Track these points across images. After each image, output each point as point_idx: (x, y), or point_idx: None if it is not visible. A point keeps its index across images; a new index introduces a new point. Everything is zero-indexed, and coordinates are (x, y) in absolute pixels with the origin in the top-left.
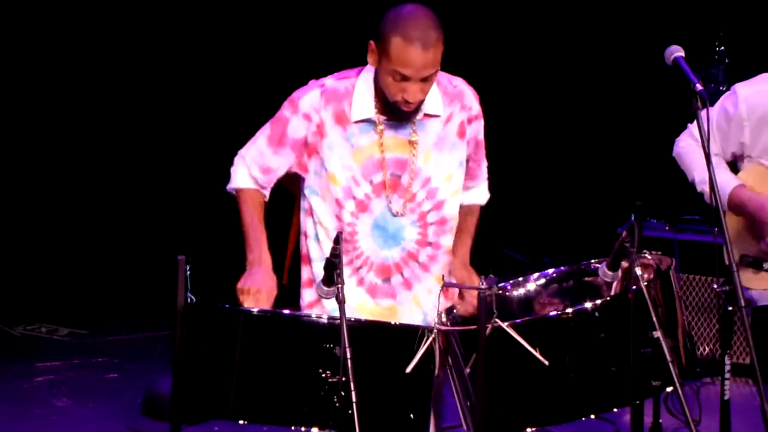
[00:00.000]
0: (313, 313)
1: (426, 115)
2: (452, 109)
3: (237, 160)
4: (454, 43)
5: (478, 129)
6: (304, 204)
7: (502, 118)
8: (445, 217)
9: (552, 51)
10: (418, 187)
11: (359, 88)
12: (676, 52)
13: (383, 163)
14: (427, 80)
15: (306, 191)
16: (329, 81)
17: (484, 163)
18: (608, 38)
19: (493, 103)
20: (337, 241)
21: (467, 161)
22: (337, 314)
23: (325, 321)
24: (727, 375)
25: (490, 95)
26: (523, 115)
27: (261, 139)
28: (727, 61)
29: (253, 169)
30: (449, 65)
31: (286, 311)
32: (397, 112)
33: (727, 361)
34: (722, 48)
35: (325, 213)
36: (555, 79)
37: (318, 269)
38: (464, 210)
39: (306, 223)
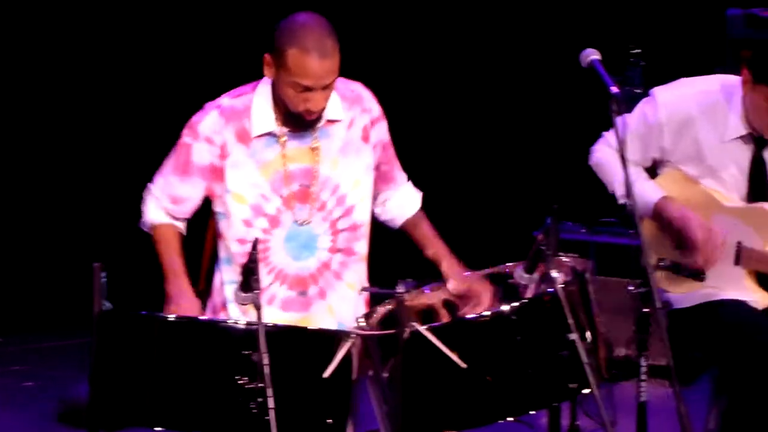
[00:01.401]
0: (230, 318)
1: (328, 121)
2: (353, 114)
3: (146, 195)
4: (363, 47)
5: (382, 131)
6: (216, 228)
7: (416, 123)
8: (355, 222)
9: (467, 54)
10: (327, 195)
11: (257, 103)
12: (592, 55)
13: (293, 176)
14: (327, 88)
15: (217, 215)
16: (225, 100)
17: (398, 164)
18: (525, 41)
19: (407, 109)
20: (254, 246)
21: (379, 166)
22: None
23: (242, 326)
24: (644, 377)
25: (403, 102)
26: (439, 120)
27: (167, 170)
28: (642, 64)
29: (163, 200)
30: (360, 71)
31: (203, 317)
32: (299, 122)
33: (644, 363)
34: (638, 51)
35: (232, 238)
36: (470, 84)
37: (230, 293)
38: (414, 225)
39: (219, 247)
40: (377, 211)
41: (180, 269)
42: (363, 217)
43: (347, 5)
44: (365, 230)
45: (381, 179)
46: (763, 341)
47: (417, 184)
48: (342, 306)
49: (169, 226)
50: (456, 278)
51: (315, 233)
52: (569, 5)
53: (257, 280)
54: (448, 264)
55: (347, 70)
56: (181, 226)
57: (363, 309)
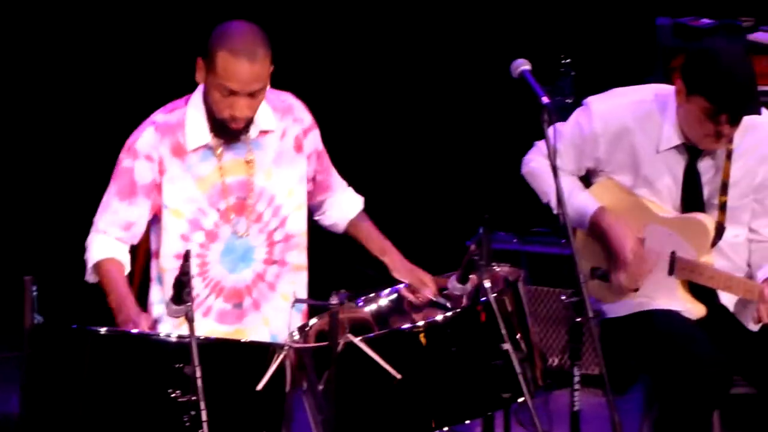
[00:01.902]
0: (162, 332)
1: (261, 132)
2: (285, 124)
3: (92, 232)
4: (298, 57)
5: (315, 140)
6: (151, 247)
7: (349, 132)
8: (289, 233)
9: (400, 63)
10: (263, 207)
11: (191, 116)
12: (522, 65)
13: (229, 189)
14: (254, 96)
15: (153, 233)
16: (159, 116)
17: (334, 171)
18: (456, 51)
19: (339, 120)
20: (186, 258)
21: (315, 175)
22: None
23: (174, 340)
24: (577, 386)
25: (336, 114)
26: (372, 129)
27: (110, 200)
28: (573, 73)
29: (113, 232)
30: (297, 81)
31: (135, 330)
32: (227, 131)
33: (577, 372)
34: (568, 61)
35: (168, 255)
36: (402, 93)
37: (157, 312)
38: (357, 227)
39: (151, 264)
40: (320, 219)
41: (128, 297)
42: (297, 228)
43: (278, 11)
44: (300, 240)
45: (319, 188)
46: (695, 351)
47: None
48: (276, 317)
49: (110, 260)
50: (401, 270)
51: (252, 245)
52: (499, 15)
53: (189, 293)
54: (391, 258)
55: (281, 80)
56: (126, 258)
57: (300, 320)
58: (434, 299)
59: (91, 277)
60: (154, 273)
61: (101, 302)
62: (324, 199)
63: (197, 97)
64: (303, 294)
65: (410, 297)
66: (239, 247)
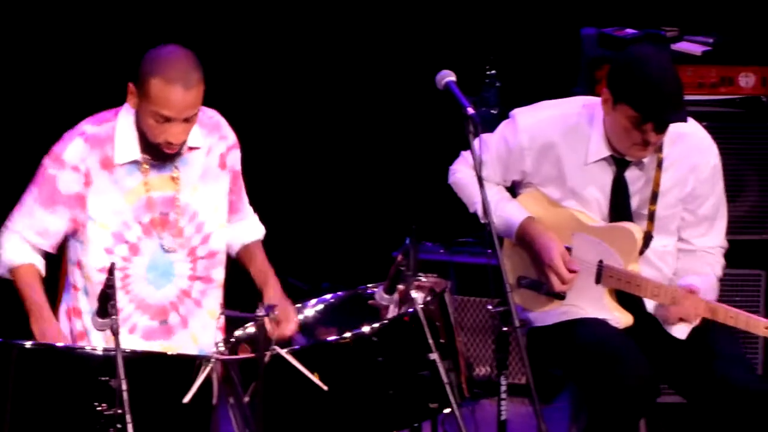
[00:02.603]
0: (89, 345)
1: (188, 148)
2: (211, 141)
3: (6, 230)
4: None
5: (235, 159)
6: (72, 257)
7: (273, 145)
8: (212, 250)
9: (324, 76)
10: (186, 223)
11: (120, 130)
12: (448, 76)
13: (154, 203)
14: (189, 121)
15: (76, 244)
16: (89, 127)
17: (245, 196)
18: (381, 63)
19: (264, 127)
20: (111, 272)
21: (228, 194)
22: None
23: (100, 353)
24: (504, 395)
25: (261, 120)
26: (297, 139)
27: (30, 204)
28: (498, 84)
29: (27, 235)
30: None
31: (60, 344)
32: (160, 154)
33: (503, 382)
34: (493, 72)
35: (93, 267)
36: (326, 106)
37: (88, 322)
38: (249, 253)
39: (75, 276)
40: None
41: (45, 307)
42: (220, 245)
43: (194, 20)
44: (222, 257)
45: (228, 208)
46: (622, 360)
47: (276, 206)
48: (204, 334)
49: (29, 266)
50: (275, 301)
51: (175, 261)
52: (424, 26)
53: (114, 306)
54: (268, 290)
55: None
56: (41, 263)
57: (219, 334)
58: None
59: (2, 271)
60: (80, 283)
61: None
62: (231, 219)
63: (127, 113)
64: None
65: (268, 327)
66: (162, 263)
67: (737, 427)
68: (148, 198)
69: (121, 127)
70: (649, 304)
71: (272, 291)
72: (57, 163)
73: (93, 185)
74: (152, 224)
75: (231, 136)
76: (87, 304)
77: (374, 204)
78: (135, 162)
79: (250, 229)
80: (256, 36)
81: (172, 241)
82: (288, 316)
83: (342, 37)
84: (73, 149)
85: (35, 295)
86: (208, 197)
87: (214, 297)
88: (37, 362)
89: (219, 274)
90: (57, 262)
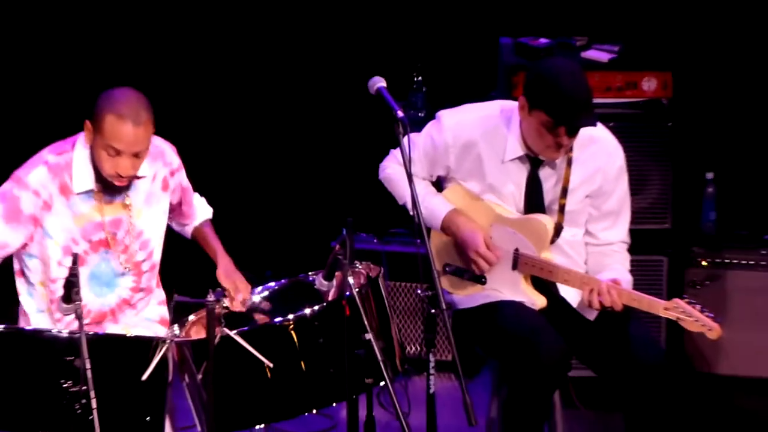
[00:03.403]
0: (55, 328)
1: (137, 177)
2: (156, 168)
3: None
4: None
5: (181, 178)
6: (15, 266)
7: (220, 144)
8: (154, 263)
9: (267, 80)
10: (132, 240)
11: (77, 161)
12: (379, 82)
13: (103, 225)
14: (138, 156)
15: (24, 256)
16: (51, 157)
17: (194, 197)
18: (318, 70)
19: (212, 129)
20: (75, 262)
21: (180, 205)
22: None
23: (65, 335)
24: (432, 371)
25: (206, 122)
26: (240, 135)
27: None
28: (425, 89)
29: None
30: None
31: (29, 327)
32: (110, 185)
33: (432, 359)
34: (420, 78)
35: (41, 273)
36: (270, 109)
37: (35, 320)
38: (200, 232)
39: (18, 282)
40: (173, 225)
41: None
42: (158, 258)
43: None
44: (158, 267)
45: (183, 216)
46: (537, 338)
47: (223, 201)
48: (135, 330)
49: None
50: (221, 275)
51: (118, 273)
52: (356, 36)
53: (78, 293)
54: (219, 263)
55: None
56: None
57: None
58: (251, 304)
59: None
60: (24, 290)
61: None
62: (186, 223)
63: (82, 144)
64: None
65: (226, 302)
66: (106, 274)
67: (642, 397)
68: (101, 222)
69: (77, 158)
70: (562, 288)
71: (223, 264)
72: (21, 185)
73: (53, 208)
74: (101, 243)
75: (175, 161)
76: (32, 305)
77: (313, 198)
78: (89, 191)
79: (200, 212)
80: (199, 37)
81: (116, 259)
82: (237, 287)
83: (289, 43)
84: (37, 175)
85: None
86: (152, 218)
87: (153, 304)
88: (6, 344)
89: (155, 283)
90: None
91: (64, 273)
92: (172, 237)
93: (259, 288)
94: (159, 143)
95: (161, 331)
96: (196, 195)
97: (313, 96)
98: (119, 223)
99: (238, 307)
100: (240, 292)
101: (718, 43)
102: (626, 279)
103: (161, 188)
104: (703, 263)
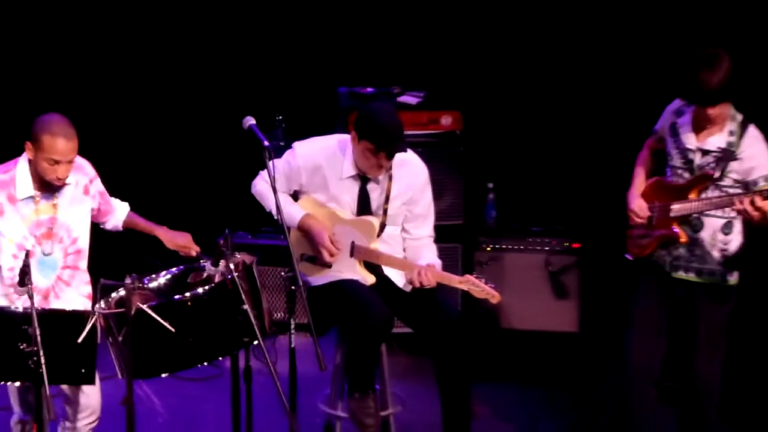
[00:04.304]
0: (13, 305)
1: (64, 184)
2: (78, 178)
3: None
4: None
5: (98, 185)
6: None
7: (133, 158)
8: (79, 248)
9: (170, 113)
10: (63, 232)
11: (19, 175)
12: (250, 120)
13: (42, 222)
14: (70, 162)
15: None
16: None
17: (110, 200)
18: (206, 109)
19: (118, 146)
20: (27, 256)
21: (100, 206)
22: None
23: (21, 310)
24: (293, 331)
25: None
26: (147, 160)
27: None
28: (283, 125)
29: None
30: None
31: None
32: (50, 187)
33: (292, 322)
34: (280, 117)
35: (4, 267)
36: (170, 137)
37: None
38: (130, 221)
39: None
40: (105, 226)
41: None
42: (84, 244)
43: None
44: (86, 252)
45: (103, 214)
46: (368, 305)
47: (138, 204)
48: (72, 305)
49: None
50: (167, 240)
51: (55, 258)
52: (233, 83)
53: (30, 279)
54: (159, 233)
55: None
56: None
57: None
58: (194, 254)
59: None
60: None
61: None
62: (107, 219)
63: (23, 163)
64: (87, 288)
65: (184, 253)
66: (47, 260)
67: (444, 344)
68: (38, 220)
69: (20, 173)
70: (386, 270)
71: (162, 234)
72: None
73: (4, 214)
74: (42, 236)
75: (91, 172)
76: None
77: (205, 205)
78: (30, 197)
79: (120, 209)
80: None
81: (50, 246)
82: (183, 243)
83: (187, 92)
84: None
85: None
86: (76, 214)
87: (80, 279)
88: None
89: (83, 264)
90: None
91: (18, 263)
92: (101, 245)
93: (164, 272)
94: (79, 160)
95: (89, 306)
96: (115, 201)
97: (200, 131)
98: (53, 220)
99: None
100: (188, 246)
101: (494, 91)
102: (438, 263)
103: (83, 192)
104: (487, 248)
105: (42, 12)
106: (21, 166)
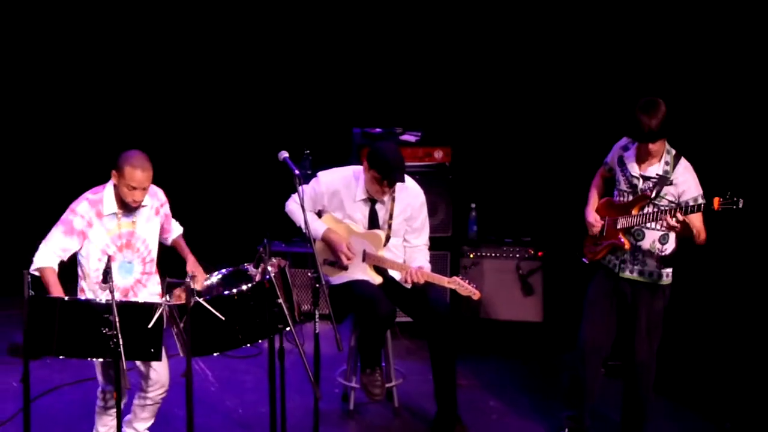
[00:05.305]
0: (98, 298)
1: (142, 206)
2: (152, 202)
3: (41, 248)
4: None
5: (166, 209)
6: (79, 261)
7: (186, 188)
8: (153, 258)
9: (215, 136)
10: (140, 244)
11: (106, 196)
12: (284, 154)
13: (122, 235)
14: (145, 189)
15: (79, 255)
16: (90, 195)
17: (172, 220)
18: (249, 143)
19: (183, 175)
20: (109, 260)
21: (163, 225)
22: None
23: (104, 302)
24: (317, 320)
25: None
26: (198, 183)
27: (57, 234)
28: (310, 158)
29: (56, 250)
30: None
31: (83, 298)
32: (129, 208)
33: (317, 313)
34: (308, 151)
35: (92, 268)
36: (223, 165)
37: (87, 294)
38: (176, 243)
39: (78, 271)
40: (162, 240)
41: (59, 290)
42: (155, 254)
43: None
44: (155, 259)
45: (165, 231)
46: (375, 300)
47: (190, 221)
48: (149, 300)
49: (50, 268)
50: (189, 266)
51: (133, 264)
52: (271, 124)
53: (111, 277)
54: (188, 262)
55: None
56: (56, 266)
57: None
58: (199, 288)
59: (34, 271)
60: (80, 274)
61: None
62: (164, 237)
63: (110, 186)
64: (158, 287)
65: (193, 285)
66: (126, 265)
67: (437, 331)
68: (120, 233)
69: (107, 194)
70: (391, 272)
71: (190, 262)
72: (73, 212)
73: (93, 226)
74: (122, 246)
75: (163, 198)
76: (85, 285)
77: (249, 220)
78: (114, 213)
79: (175, 231)
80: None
81: (131, 254)
82: (196, 278)
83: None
84: (83, 206)
85: (53, 283)
86: (151, 230)
87: (153, 281)
88: (72, 308)
89: (154, 268)
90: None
91: (101, 265)
92: (166, 250)
93: (216, 272)
94: (154, 187)
95: (158, 300)
96: (174, 222)
97: (247, 162)
98: (132, 234)
99: (199, 286)
100: (196, 281)
101: (476, 132)
102: (427, 266)
103: (155, 213)
104: (470, 255)
105: (129, 60)
106: (108, 189)
